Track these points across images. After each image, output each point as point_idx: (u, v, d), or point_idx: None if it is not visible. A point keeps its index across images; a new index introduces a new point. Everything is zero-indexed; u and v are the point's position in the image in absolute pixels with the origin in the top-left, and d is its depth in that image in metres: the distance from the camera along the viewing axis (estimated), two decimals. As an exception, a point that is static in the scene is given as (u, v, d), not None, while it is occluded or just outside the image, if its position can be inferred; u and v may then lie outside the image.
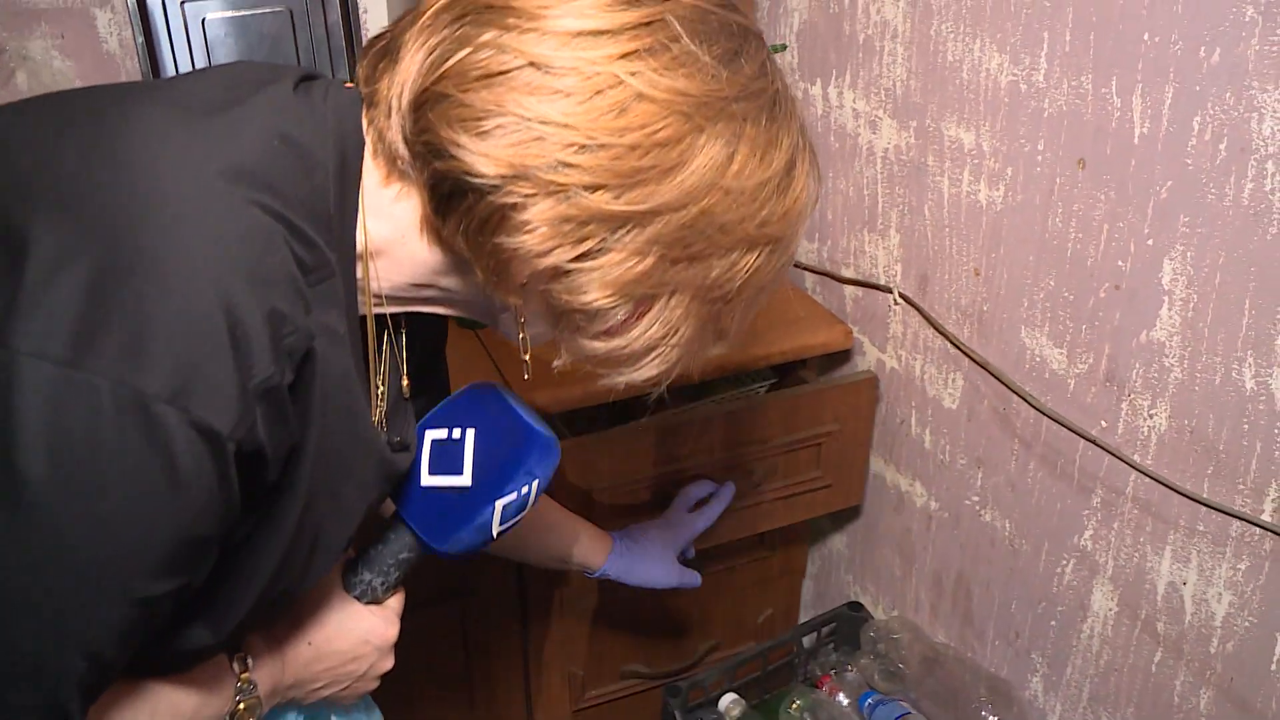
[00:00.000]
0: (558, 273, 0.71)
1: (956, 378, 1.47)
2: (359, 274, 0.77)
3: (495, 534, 0.89)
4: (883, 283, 1.58)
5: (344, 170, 0.74)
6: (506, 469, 0.87)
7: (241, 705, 0.83)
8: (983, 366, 1.39)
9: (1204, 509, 1.14)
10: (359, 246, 0.76)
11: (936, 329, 1.47)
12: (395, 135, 0.72)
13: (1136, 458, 1.20)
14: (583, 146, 0.67)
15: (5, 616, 0.61)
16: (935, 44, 1.37)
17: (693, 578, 1.45)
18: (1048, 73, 1.21)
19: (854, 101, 1.55)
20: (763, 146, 0.71)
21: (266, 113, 0.71)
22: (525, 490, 0.88)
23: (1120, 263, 1.17)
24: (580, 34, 0.68)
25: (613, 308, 0.72)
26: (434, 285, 0.80)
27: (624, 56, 0.67)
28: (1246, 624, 1.13)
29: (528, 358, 0.82)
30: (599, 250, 0.70)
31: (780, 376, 1.67)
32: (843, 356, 1.70)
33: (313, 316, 0.69)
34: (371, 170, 0.75)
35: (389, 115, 0.72)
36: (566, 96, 0.67)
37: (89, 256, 0.60)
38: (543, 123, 0.67)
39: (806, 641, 1.71)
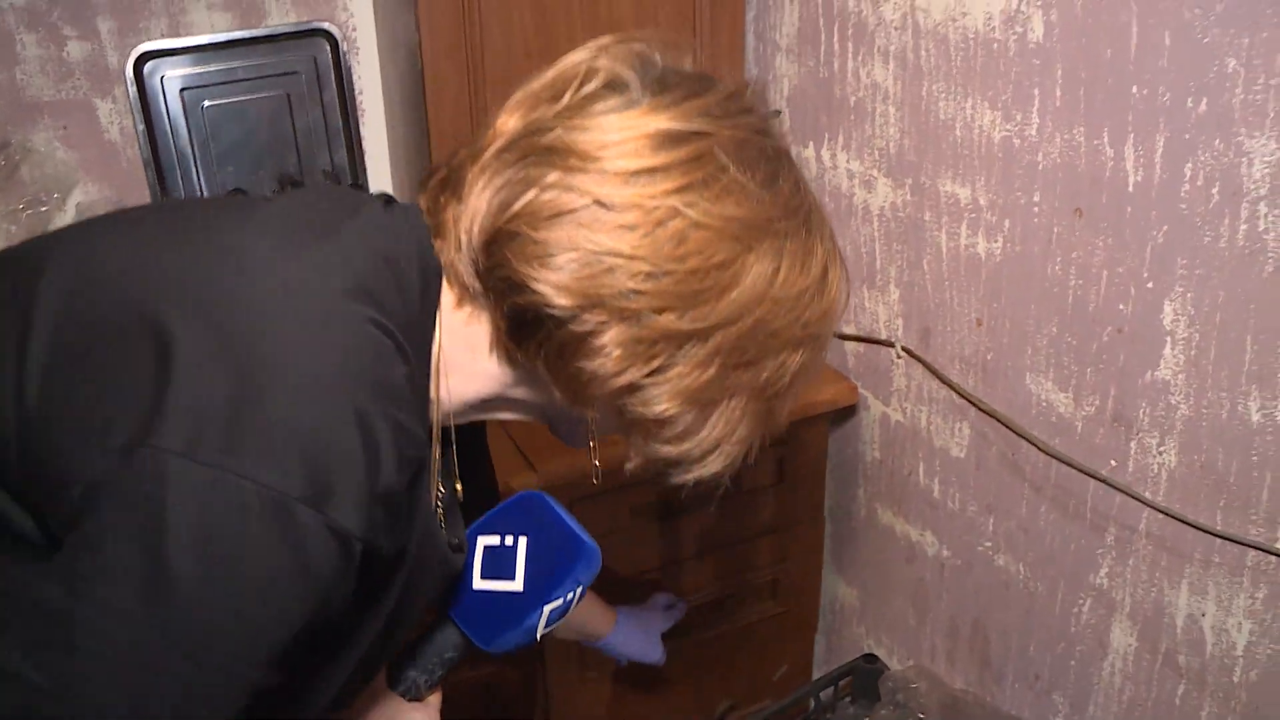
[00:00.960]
0: (631, 388, 0.76)
1: (963, 427, 1.51)
2: (431, 386, 0.82)
3: (539, 636, 0.93)
4: (884, 337, 1.62)
5: (426, 290, 0.79)
6: (556, 576, 0.91)
7: None
8: (990, 414, 1.42)
9: (1219, 540, 1.17)
10: (432, 362, 0.81)
11: (941, 380, 1.51)
12: (466, 268, 0.78)
13: (1148, 494, 1.23)
14: (649, 274, 0.73)
15: (141, 707, 0.64)
16: (927, 104, 1.42)
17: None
18: (1040, 127, 1.26)
19: (847, 162, 1.60)
20: (802, 257, 0.77)
21: (371, 233, 0.77)
22: (570, 596, 0.92)
23: (1121, 306, 1.22)
24: (637, 173, 0.73)
25: (681, 414, 0.78)
26: (501, 397, 0.85)
27: (678, 190, 0.73)
28: (1269, 651, 1.15)
29: (598, 462, 0.90)
30: (668, 365, 0.76)
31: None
32: (849, 412, 1.73)
33: (421, 427, 0.75)
34: (446, 293, 0.80)
35: (459, 249, 0.78)
36: (631, 230, 0.73)
37: (233, 366, 0.66)
38: (613, 255, 0.73)
39: (823, 696, 1.71)
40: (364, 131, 1.83)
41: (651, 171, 0.73)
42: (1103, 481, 1.28)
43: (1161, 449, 1.21)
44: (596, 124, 0.75)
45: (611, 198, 0.73)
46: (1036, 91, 1.25)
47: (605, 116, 0.75)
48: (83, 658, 0.63)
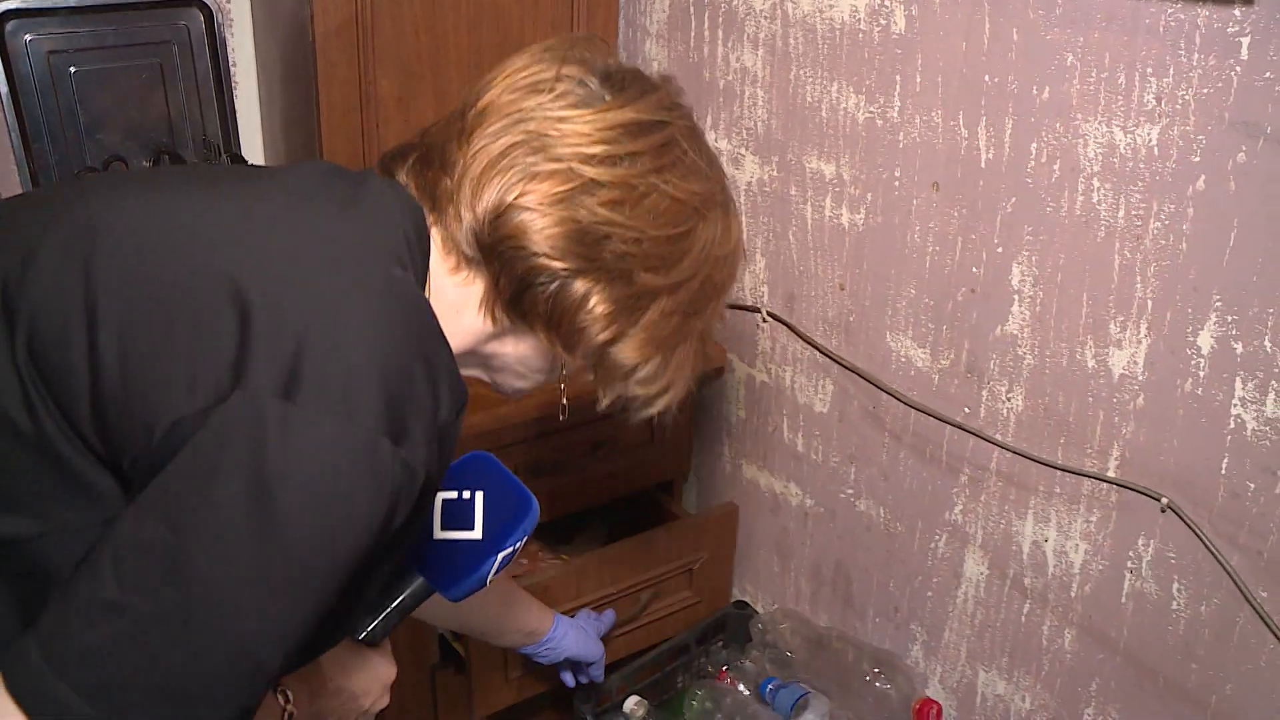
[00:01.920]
0: (616, 338, 0.90)
1: (826, 384, 1.65)
2: None
3: (488, 581, 1.03)
4: (750, 304, 1.74)
5: (423, 254, 0.89)
6: (508, 526, 1.02)
7: None
8: (852, 370, 1.57)
9: (1059, 473, 1.34)
10: None
11: (805, 340, 1.64)
12: (467, 239, 0.87)
13: (998, 436, 1.40)
14: (637, 240, 0.87)
15: (250, 632, 0.71)
16: (794, 87, 1.55)
17: (601, 668, 1.66)
18: (901, 109, 1.40)
19: (716, 141, 1.72)
20: (729, 221, 0.95)
21: (384, 205, 0.87)
22: (518, 545, 1.03)
23: (974, 269, 1.37)
24: (620, 157, 0.87)
25: (650, 359, 0.92)
26: (478, 353, 0.94)
27: (656, 170, 0.88)
28: (1100, 567, 1.33)
29: (566, 401, 1.01)
30: (644, 318, 0.90)
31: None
32: (715, 374, 1.85)
33: None
34: (438, 260, 0.89)
35: (460, 221, 0.87)
36: (621, 204, 0.86)
37: (306, 321, 0.73)
38: (608, 224, 0.86)
39: (698, 641, 1.84)
40: (238, 104, 1.83)
41: (633, 155, 0.87)
42: (957, 427, 1.44)
43: (1010, 395, 1.38)
44: (577, 116, 0.86)
45: (602, 177, 0.85)
46: (898, 77, 1.40)
47: (580, 110, 0.87)
48: (191, 587, 0.68)
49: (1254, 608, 1.16)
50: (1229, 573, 1.18)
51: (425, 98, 1.68)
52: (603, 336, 0.89)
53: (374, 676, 1.05)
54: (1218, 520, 1.19)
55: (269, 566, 0.70)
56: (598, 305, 0.87)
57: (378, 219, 0.85)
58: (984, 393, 1.41)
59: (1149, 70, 1.14)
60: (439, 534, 1.02)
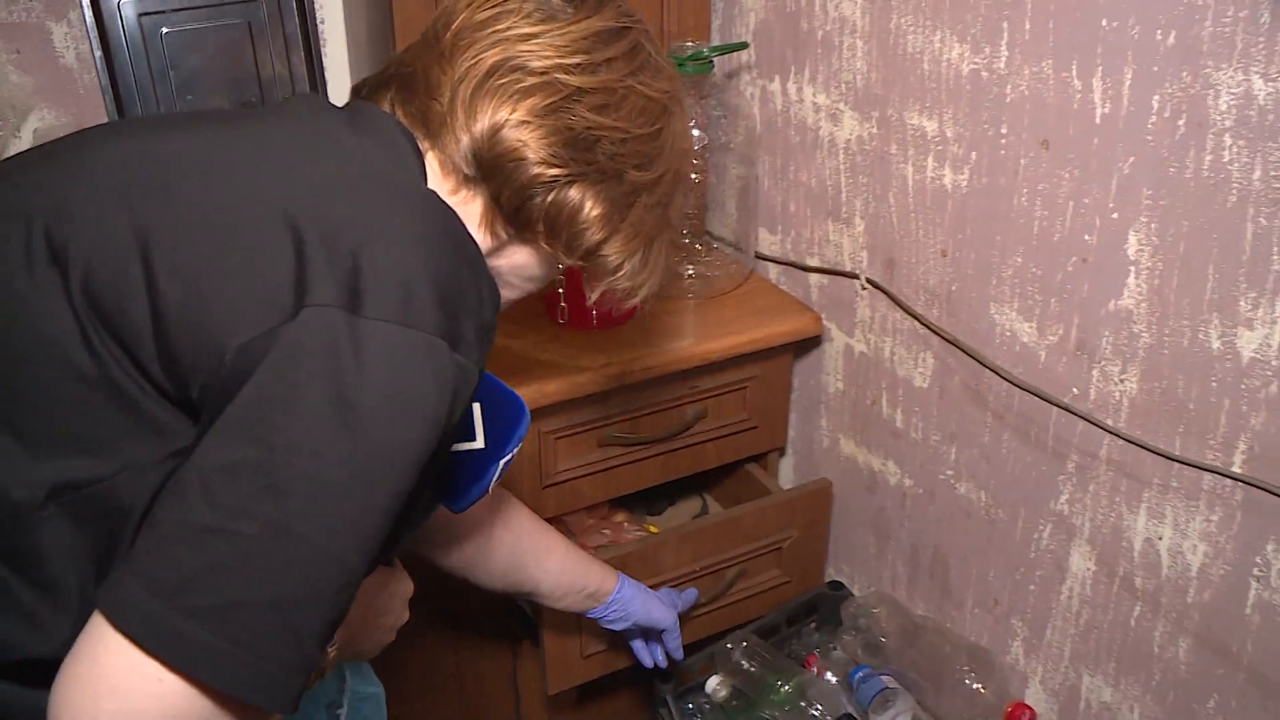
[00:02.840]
0: (610, 235, 0.94)
1: (927, 357, 1.53)
2: None
3: (490, 489, 1.05)
4: (849, 269, 1.63)
5: (421, 175, 0.91)
6: (506, 432, 1.05)
7: (328, 659, 0.97)
8: (953, 344, 1.45)
9: (1177, 465, 1.20)
10: None
11: (905, 310, 1.52)
12: (464, 159, 0.89)
13: (1109, 421, 1.26)
14: (624, 140, 0.92)
15: (345, 537, 0.73)
16: (895, 37, 1.42)
17: (678, 641, 1.58)
18: (1009, 60, 1.27)
19: (814, 96, 1.60)
20: (684, 115, 1.00)
21: (391, 126, 0.90)
22: (515, 451, 1.05)
23: (1086, 237, 1.24)
24: (598, 64, 0.90)
25: (636, 252, 0.97)
26: None
27: (631, 74, 0.92)
28: (1221, 572, 1.19)
29: (564, 304, 1.15)
30: (631, 213, 0.95)
31: (754, 370, 1.71)
32: (812, 343, 1.75)
33: None
34: (438, 181, 0.91)
35: (457, 142, 0.89)
36: (605, 107, 0.90)
37: (360, 239, 0.76)
38: (598, 129, 0.90)
39: (788, 621, 1.75)
40: (326, 62, 1.80)
41: (609, 62, 0.91)
42: (1065, 409, 1.31)
43: (1123, 376, 1.24)
44: (548, 31, 0.89)
45: (585, 85, 0.89)
46: (1005, 25, 1.26)
47: (549, 25, 0.90)
48: (289, 500, 0.71)
49: (1397, 628, 1.02)
50: (1369, 587, 1.03)
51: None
52: (598, 236, 0.93)
53: (393, 593, 1.09)
54: (1358, 527, 1.05)
55: (357, 471, 0.73)
56: (594, 207, 0.91)
57: (390, 141, 0.89)
58: (1095, 373, 1.27)
59: (1292, 10, 0.99)
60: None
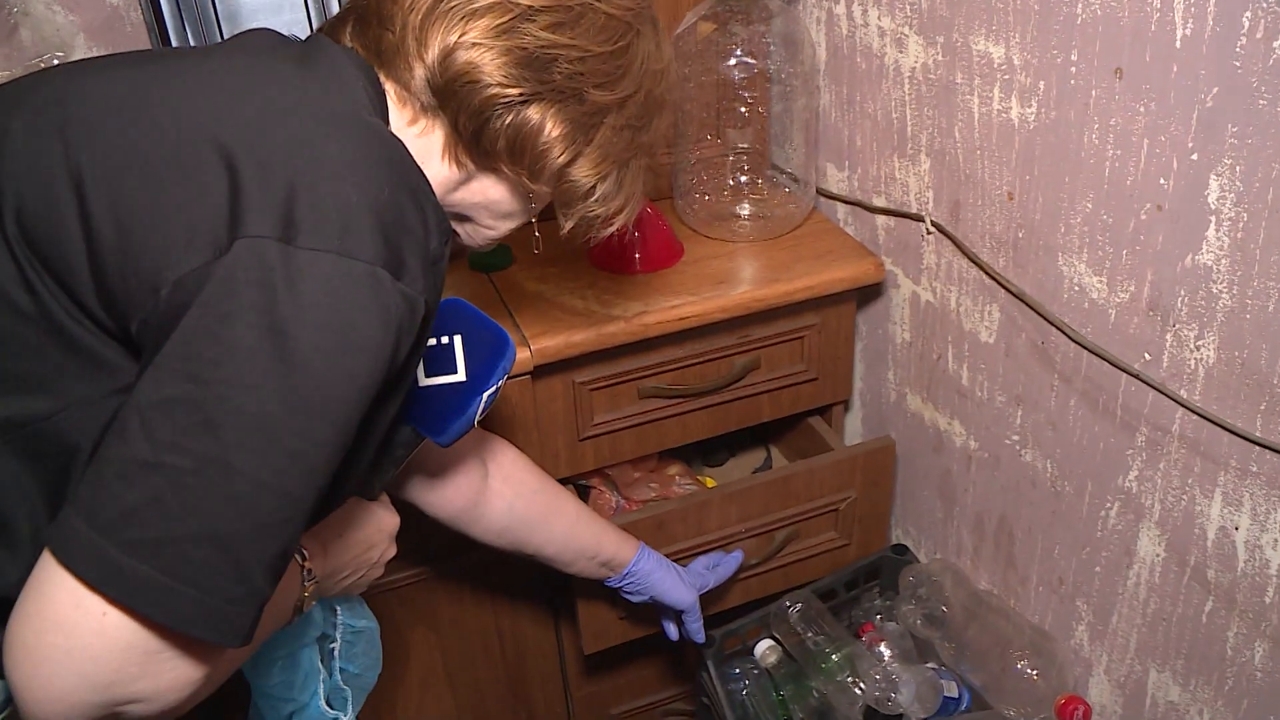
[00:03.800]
0: (574, 158, 0.91)
1: (993, 310, 1.38)
2: None
3: (475, 423, 1.04)
4: (914, 210, 1.48)
5: (382, 108, 0.89)
6: (489, 365, 1.03)
7: (306, 592, 0.95)
8: (1019, 298, 1.29)
9: (1257, 449, 1.05)
10: None
11: (970, 259, 1.37)
12: (420, 87, 0.88)
13: (1183, 393, 1.11)
14: (582, 58, 0.89)
15: (283, 469, 0.71)
16: (961, -51, 1.26)
17: (698, 624, 1.50)
18: (1080, -27, 1.10)
19: (879, 19, 1.44)
20: (658, 35, 0.97)
21: (344, 59, 0.87)
22: (499, 384, 1.03)
23: (1162, 181, 1.07)
24: None
25: (605, 176, 0.94)
26: (446, 202, 0.94)
27: None
28: (1304, 572, 1.04)
29: (538, 234, 1.04)
30: (596, 135, 0.92)
31: (816, 316, 1.58)
32: (877, 290, 1.61)
33: None
34: (397, 113, 0.89)
35: (411, 71, 0.88)
36: (562, 25, 0.88)
37: (296, 167, 0.74)
38: (553, 47, 0.87)
39: (847, 586, 1.64)
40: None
41: None
42: (1135, 377, 1.15)
43: (1200, 343, 1.08)
44: None
45: (537, 2, 0.87)
46: (1077, -69, 1.09)
47: None
48: (224, 434, 0.69)
49: None
50: None
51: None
52: (562, 159, 0.90)
53: (378, 527, 1.06)
54: None
55: (295, 403, 0.71)
56: (554, 128, 0.89)
57: (338, 73, 0.85)
58: (1168, 336, 1.11)
59: None
60: (424, 380, 1.02)
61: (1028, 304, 1.28)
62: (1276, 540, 1.06)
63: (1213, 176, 1.02)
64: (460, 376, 1.03)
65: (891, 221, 1.54)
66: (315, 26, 1.70)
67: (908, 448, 1.65)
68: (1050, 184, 1.22)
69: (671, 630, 1.51)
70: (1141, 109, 1.07)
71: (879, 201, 1.55)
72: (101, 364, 0.77)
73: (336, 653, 1.17)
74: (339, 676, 1.17)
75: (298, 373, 0.70)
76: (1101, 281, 1.18)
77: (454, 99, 0.88)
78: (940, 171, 1.40)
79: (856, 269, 1.53)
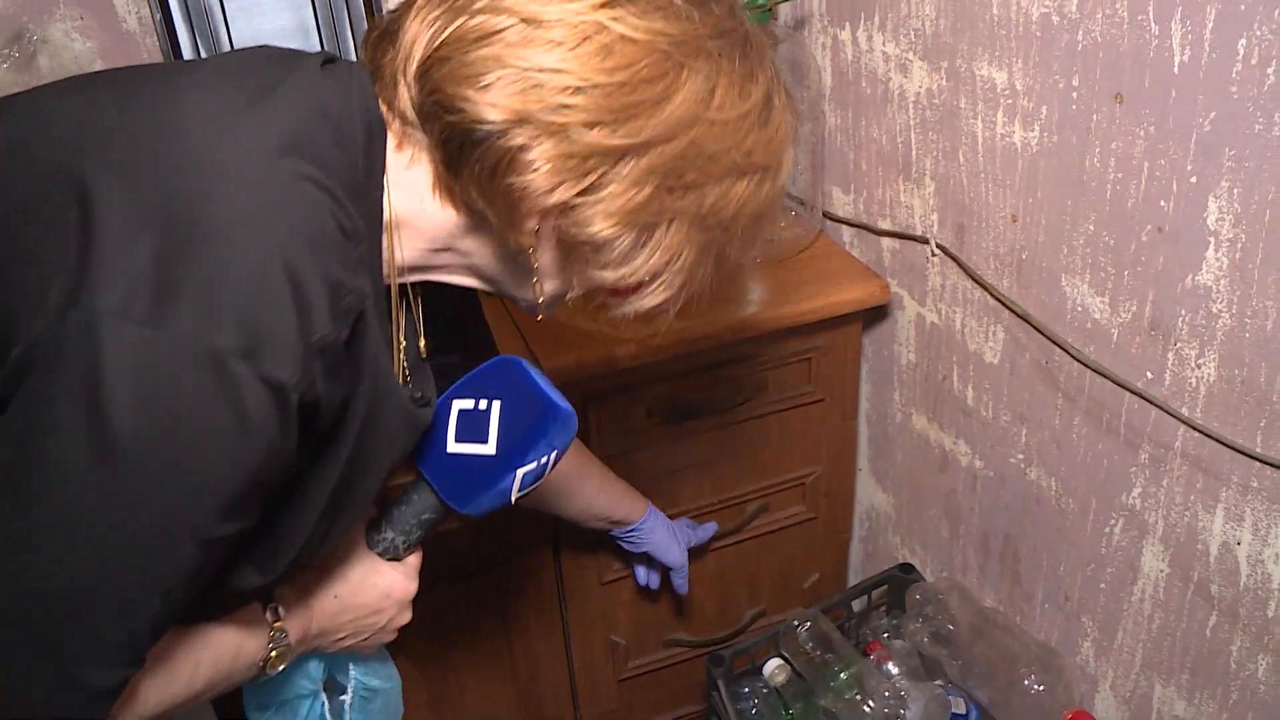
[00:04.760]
0: (565, 208, 0.77)
1: (997, 330, 1.40)
2: (385, 242, 0.83)
3: (513, 499, 0.94)
4: (919, 233, 1.51)
5: (371, 143, 0.80)
6: (529, 439, 0.92)
7: (274, 652, 0.90)
8: (1023, 318, 1.32)
9: (1258, 464, 1.07)
10: (386, 216, 0.82)
11: (975, 280, 1.40)
12: (405, 103, 0.79)
13: (1185, 411, 1.13)
14: (577, 89, 0.74)
15: (98, 559, 0.66)
16: (964, -22, 1.29)
17: (684, 579, 1.56)
18: (1080, 2, 1.13)
19: (884, 45, 1.48)
20: (740, 81, 0.79)
21: (305, 90, 0.78)
22: (545, 460, 0.93)
23: (1162, 203, 1.10)
24: None
25: (617, 237, 0.79)
26: (451, 249, 0.86)
27: (604, 6, 0.75)
28: (1305, 586, 1.06)
29: (541, 301, 0.88)
30: (601, 183, 0.76)
31: (821, 339, 1.61)
32: (883, 311, 1.63)
33: (359, 280, 0.76)
34: (392, 141, 0.82)
35: (395, 86, 0.79)
36: (558, 45, 0.74)
37: (160, 223, 0.66)
38: (539, 70, 0.74)
39: (857, 605, 1.66)
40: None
41: None
42: (1137, 395, 1.17)
43: (1200, 361, 1.10)
44: None
45: (538, 15, 0.75)
46: (1077, -40, 1.12)
47: None
48: (36, 512, 0.65)
49: None
50: None
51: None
52: (543, 204, 0.77)
53: (385, 593, 1.00)
54: None
55: (117, 493, 0.66)
56: (534, 166, 0.75)
57: (287, 108, 0.75)
58: (1170, 355, 1.14)
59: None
60: (452, 447, 0.95)
61: (1032, 324, 1.30)
62: (1278, 555, 1.07)
63: (1211, 199, 1.04)
64: (490, 449, 0.93)
65: (897, 244, 1.57)
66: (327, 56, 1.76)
67: (913, 467, 1.67)
68: (1053, 207, 1.24)
69: (643, 577, 1.58)
70: (1141, 133, 1.10)
71: (884, 224, 1.58)
72: None
73: (347, 705, 1.10)
74: None
75: (121, 461, 0.65)
76: (1104, 302, 1.20)
77: (428, 119, 0.79)
78: (944, 195, 1.43)
79: (863, 291, 1.56)
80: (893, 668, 1.53)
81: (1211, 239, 1.05)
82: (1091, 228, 1.19)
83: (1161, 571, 1.22)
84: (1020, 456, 1.42)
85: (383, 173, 0.81)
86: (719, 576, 1.73)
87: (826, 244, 1.68)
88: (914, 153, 1.47)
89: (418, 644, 1.56)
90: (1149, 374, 1.17)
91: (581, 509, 1.38)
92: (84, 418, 0.64)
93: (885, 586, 1.67)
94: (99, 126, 0.72)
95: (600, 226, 0.78)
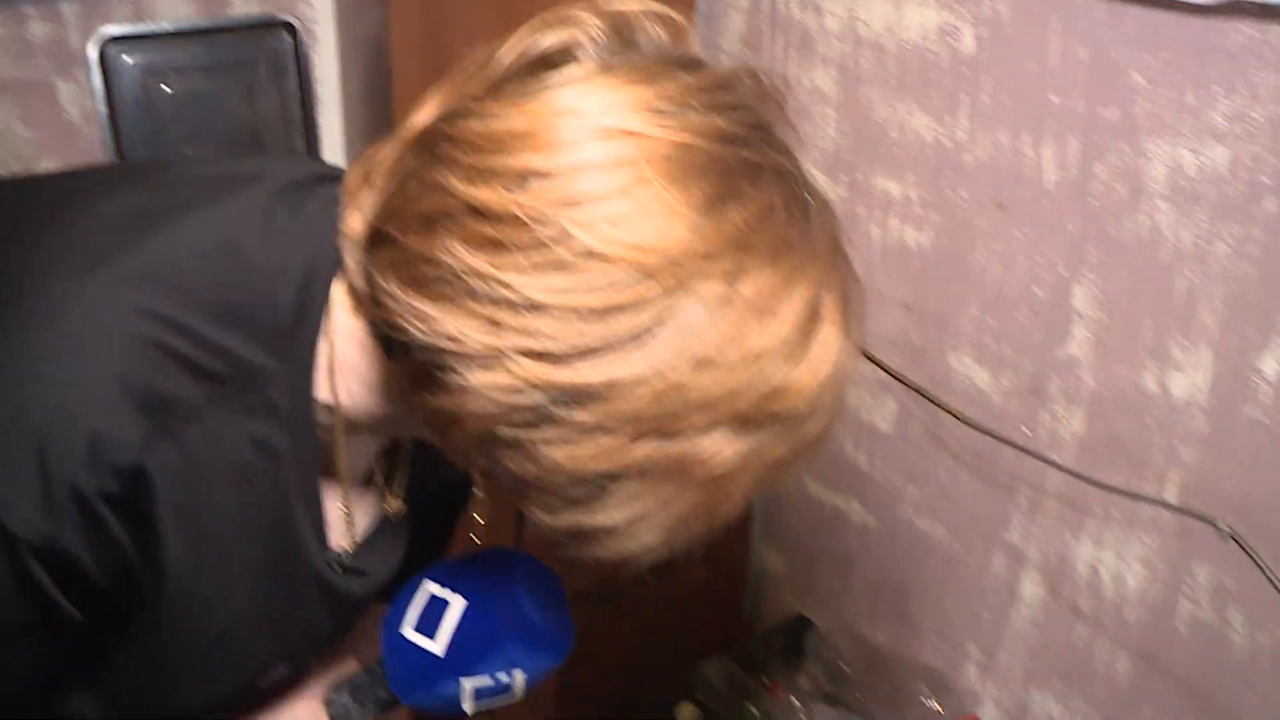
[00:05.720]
0: (504, 443, 0.64)
1: (889, 402, 1.66)
2: (324, 390, 0.74)
3: (469, 710, 0.85)
4: (816, 321, 1.76)
5: (309, 285, 0.71)
6: (485, 651, 0.83)
7: None
8: (915, 389, 1.57)
9: (1117, 496, 1.34)
10: (321, 360, 0.74)
11: (870, 359, 1.65)
12: (357, 273, 0.70)
13: (1056, 458, 1.40)
14: (511, 305, 0.60)
15: None
16: (864, 108, 1.57)
17: None
18: (968, 129, 1.41)
19: (785, 160, 1.74)
20: (759, 308, 0.62)
21: (224, 217, 0.72)
22: (504, 679, 0.84)
23: (1037, 290, 1.38)
24: (531, 173, 0.61)
25: (568, 484, 0.65)
26: (408, 417, 0.74)
27: (569, 205, 0.60)
28: (1156, 591, 1.32)
29: (478, 517, 0.83)
30: (544, 422, 0.62)
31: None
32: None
33: (195, 428, 0.68)
34: (345, 296, 0.73)
35: (349, 251, 0.70)
36: (500, 247, 0.60)
37: None
38: (474, 276, 0.60)
39: (756, 653, 1.85)
40: (321, 121, 1.90)
41: (544, 176, 0.60)
42: (1017, 448, 1.44)
43: (1070, 417, 1.38)
44: (504, 111, 0.64)
45: (490, 204, 0.60)
46: (965, 97, 1.41)
47: (521, 99, 0.64)
48: None
49: (1314, 637, 1.15)
50: (1289, 601, 1.16)
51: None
52: (472, 434, 0.65)
53: None
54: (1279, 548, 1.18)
55: None
56: (462, 391, 0.63)
57: (188, 230, 0.70)
58: (1044, 414, 1.41)
59: (1218, 90, 1.14)
60: (406, 632, 0.85)
61: (923, 394, 1.56)
62: (1134, 570, 1.34)
63: (1076, 285, 1.33)
64: (436, 649, 0.83)
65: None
66: (262, 150, 1.88)
67: (810, 530, 1.90)
68: (941, 296, 1.51)
69: None
70: (1019, 234, 1.38)
71: (782, 314, 1.83)
72: None
73: None
74: None
75: None
76: (987, 373, 1.47)
77: (369, 300, 0.69)
78: (841, 287, 1.69)
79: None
80: (795, 701, 1.73)
81: (1078, 318, 1.34)
82: (976, 312, 1.47)
83: (1038, 595, 1.48)
84: (911, 510, 1.66)
85: (320, 317, 0.72)
86: (631, 637, 1.89)
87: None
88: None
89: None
90: (1026, 430, 1.43)
91: None
92: None
93: (783, 637, 1.88)
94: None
95: (543, 471, 0.64)
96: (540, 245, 0.60)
